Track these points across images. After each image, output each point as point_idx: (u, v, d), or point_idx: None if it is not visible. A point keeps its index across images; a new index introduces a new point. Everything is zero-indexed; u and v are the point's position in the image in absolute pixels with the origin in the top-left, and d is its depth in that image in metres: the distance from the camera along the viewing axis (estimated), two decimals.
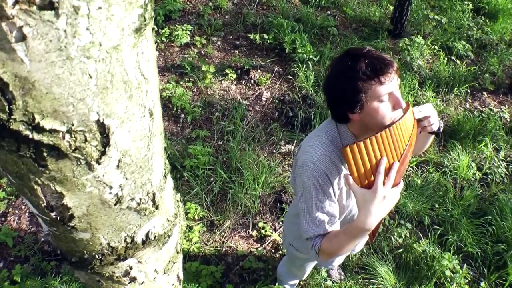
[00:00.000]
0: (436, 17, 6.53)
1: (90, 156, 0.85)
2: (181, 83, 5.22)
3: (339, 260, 2.57)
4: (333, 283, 3.74)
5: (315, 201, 1.87)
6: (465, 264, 3.91)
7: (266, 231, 4.04)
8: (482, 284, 3.84)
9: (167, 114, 4.87)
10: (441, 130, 2.04)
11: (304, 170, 1.87)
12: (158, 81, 0.97)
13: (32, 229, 3.96)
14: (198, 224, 4.02)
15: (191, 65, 5.36)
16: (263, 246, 3.98)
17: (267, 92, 5.25)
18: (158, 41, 5.66)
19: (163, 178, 1.15)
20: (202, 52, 5.70)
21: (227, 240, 3.98)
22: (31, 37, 0.64)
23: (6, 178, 0.94)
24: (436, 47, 6.06)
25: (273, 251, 3.96)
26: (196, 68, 5.37)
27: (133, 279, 1.36)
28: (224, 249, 3.93)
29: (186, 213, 4.02)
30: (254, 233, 4.06)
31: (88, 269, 1.22)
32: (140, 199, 1.06)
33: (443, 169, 4.65)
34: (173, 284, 1.65)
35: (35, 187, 0.89)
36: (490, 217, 4.22)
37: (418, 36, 6.14)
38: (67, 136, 0.79)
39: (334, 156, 1.88)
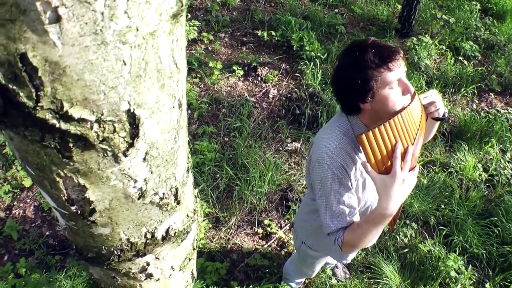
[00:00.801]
0: (444, 16, 6.49)
1: (118, 147, 0.81)
2: (188, 79, 5.18)
3: (352, 255, 2.55)
4: (338, 281, 3.72)
5: (334, 195, 1.88)
6: (470, 265, 3.90)
7: (271, 228, 4.01)
8: (487, 285, 3.82)
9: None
10: (446, 116, 2.07)
11: (321, 165, 1.88)
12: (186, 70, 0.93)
13: (37, 223, 3.94)
14: (203, 220, 4.00)
15: (198, 61, 5.33)
16: (269, 243, 3.96)
17: (274, 89, 5.22)
18: None
19: (186, 173, 1.11)
20: (210, 48, 5.66)
21: (233, 237, 3.96)
22: (66, 18, 0.60)
23: (23, 169, 0.89)
24: (443, 47, 6.03)
25: (278, 248, 3.94)
26: (203, 64, 5.34)
27: (149, 276, 1.32)
28: (229, 246, 3.91)
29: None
30: (260, 230, 4.04)
31: (105, 265, 1.18)
32: (163, 193, 1.03)
33: (449, 170, 4.63)
34: (187, 281, 1.62)
35: (57, 179, 0.85)
36: (495, 218, 4.20)
37: (426, 35, 6.10)
38: (96, 126, 0.75)
39: (349, 148, 1.89)
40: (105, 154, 0.81)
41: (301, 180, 4.40)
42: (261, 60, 5.52)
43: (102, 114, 0.74)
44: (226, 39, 5.85)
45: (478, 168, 4.64)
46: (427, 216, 4.21)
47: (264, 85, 5.27)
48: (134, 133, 0.81)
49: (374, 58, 1.67)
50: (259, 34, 5.79)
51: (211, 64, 5.25)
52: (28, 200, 4.04)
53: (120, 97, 0.74)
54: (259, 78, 5.31)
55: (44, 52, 0.62)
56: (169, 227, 1.16)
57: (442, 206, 4.29)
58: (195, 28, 5.69)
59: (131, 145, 0.82)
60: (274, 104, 5.07)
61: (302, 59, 5.48)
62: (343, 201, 1.89)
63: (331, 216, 1.90)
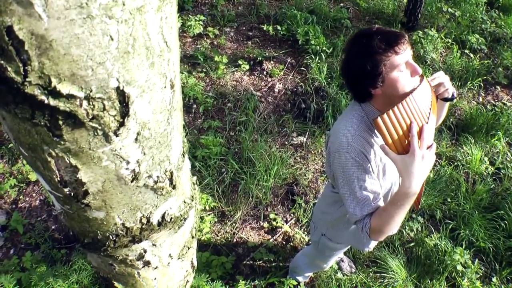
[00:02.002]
0: (449, 10, 6.45)
1: (108, 126, 0.80)
2: (193, 73, 5.18)
3: (374, 243, 2.55)
4: (344, 275, 3.70)
5: (357, 182, 1.91)
6: (477, 259, 3.87)
7: (277, 222, 4.00)
8: (494, 279, 3.79)
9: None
10: (455, 95, 2.10)
11: (341, 154, 1.91)
12: (180, 54, 0.92)
13: (43, 217, 3.95)
14: (209, 214, 3.99)
15: (203, 55, 5.33)
16: (274, 237, 3.95)
17: (280, 83, 5.21)
18: None
19: (181, 157, 1.10)
20: (215, 43, 5.66)
21: (238, 231, 3.95)
22: None
23: (18, 151, 0.89)
24: (449, 40, 5.97)
25: (284, 243, 3.93)
26: (209, 59, 5.33)
27: (147, 263, 1.32)
28: (235, 240, 3.90)
29: None
30: (265, 224, 4.03)
31: (101, 251, 1.17)
32: (158, 177, 1.02)
33: (456, 163, 4.59)
34: (186, 271, 1.61)
35: (49, 159, 0.84)
36: (502, 212, 4.16)
37: (432, 29, 6.06)
38: (85, 103, 0.74)
39: (366, 134, 1.92)
40: (96, 133, 0.80)
41: (306, 174, 4.38)
42: (267, 54, 5.50)
43: (91, 91, 0.73)
44: (232, 34, 5.84)
45: (485, 162, 4.60)
46: (433, 210, 4.18)
47: (269, 79, 5.26)
48: (124, 111, 0.80)
49: (381, 44, 1.71)
50: (265, 28, 5.77)
51: (216, 59, 5.24)
52: (34, 194, 4.05)
53: (109, 74, 0.73)
54: (265, 72, 5.30)
55: (30, 25, 0.62)
56: (165, 212, 1.15)
57: (449, 200, 4.26)
58: (200, 22, 5.67)
59: (121, 124, 0.81)
60: (279, 98, 5.06)
61: (307, 53, 5.45)
62: (366, 187, 1.91)
63: (356, 204, 1.94)
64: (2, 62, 0.64)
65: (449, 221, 4.09)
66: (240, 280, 3.51)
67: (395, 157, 1.75)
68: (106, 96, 0.75)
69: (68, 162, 0.85)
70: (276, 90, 5.11)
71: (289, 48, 5.67)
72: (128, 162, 0.91)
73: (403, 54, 1.73)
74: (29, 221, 3.90)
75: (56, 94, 0.70)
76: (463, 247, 3.88)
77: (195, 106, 4.82)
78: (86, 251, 1.27)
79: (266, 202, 4.14)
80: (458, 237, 3.99)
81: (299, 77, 5.30)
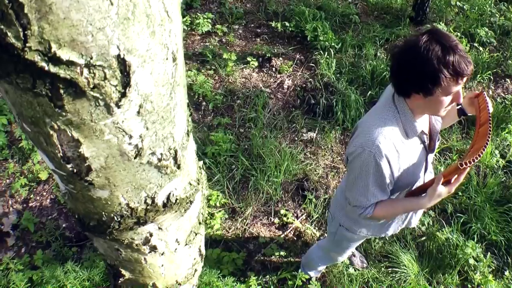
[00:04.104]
0: (458, 3, 6.39)
1: (109, 96, 0.79)
2: (202, 71, 5.19)
3: (392, 230, 2.59)
4: (355, 271, 3.68)
5: (371, 178, 2.03)
6: (489, 253, 3.84)
7: (288, 218, 3.99)
8: (507, 273, 3.77)
9: (189, 102, 4.84)
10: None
11: (364, 151, 1.97)
12: (182, 29, 0.91)
13: (54, 215, 3.97)
14: (219, 211, 3.99)
15: (212, 53, 5.34)
16: (285, 233, 3.94)
17: (289, 79, 5.20)
18: None
19: (186, 136, 1.09)
20: (223, 40, 5.67)
21: (249, 227, 3.95)
22: None
23: (22, 129, 0.88)
24: (458, 33, 5.92)
25: (295, 238, 3.92)
26: (218, 56, 5.34)
27: (153, 248, 1.31)
28: (245, 236, 3.90)
29: (208, 200, 3.98)
30: (276, 220, 4.02)
31: (107, 234, 1.16)
32: (161, 154, 1.00)
33: None
34: (194, 258, 1.60)
35: (51, 132, 0.84)
36: None
37: (440, 23, 6.02)
38: (85, 71, 0.73)
39: (394, 136, 1.98)
40: (97, 104, 0.79)
41: (317, 170, 4.37)
42: (275, 51, 5.51)
43: (91, 58, 0.72)
44: (240, 31, 5.84)
45: (496, 155, 4.57)
46: (444, 203, 4.15)
47: (278, 75, 5.25)
48: (125, 81, 0.79)
49: (452, 67, 1.70)
50: (273, 25, 5.77)
51: (225, 56, 5.25)
52: (45, 193, 4.07)
53: (109, 40, 0.72)
54: (274, 69, 5.30)
55: None
56: (170, 193, 1.14)
57: (460, 194, 4.23)
58: (208, 20, 5.70)
59: (123, 95, 0.80)
60: (289, 95, 5.05)
61: (316, 49, 5.45)
62: (378, 184, 2.07)
63: (364, 194, 2.10)
64: (2, 27, 0.63)
65: (460, 214, 4.07)
66: (252, 276, 3.50)
67: (439, 188, 1.97)
68: (106, 64, 0.74)
69: (70, 135, 0.84)
70: (285, 86, 5.10)
71: (297, 44, 5.67)
72: (130, 137, 0.90)
73: (461, 84, 1.77)
74: (40, 220, 3.92)
75: (56, 60, 0.70)
76: (475, 240, 3.86)
77: (204, 103, 4.83)
78: (92, 235, 1.26)
79: (277, 198, 4.14)
80: (470, 231, 3.97)
81: (308, 73, 5.29)
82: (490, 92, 5.40)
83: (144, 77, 0.82)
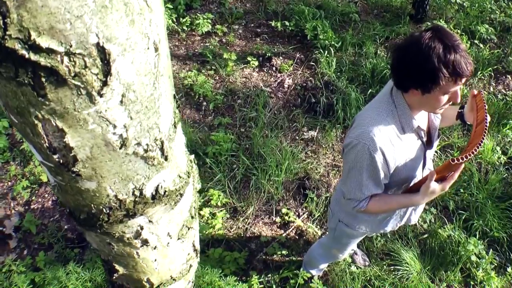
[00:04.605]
0: (458, 1, 6.38)
1: (91, 85, 0.80)
2: (202, 71, 5.21)
3: (391, 226, 2.61)
4: (357, 269, 3.68)
5: (365, 170, 2.05)
6: (491, 249, 3.85)
7: (289, 217, 4.00)
8: (509, 269, 3.78)
9: (189, 102, 4.87)
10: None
11: (359, 143, 1.99)
12: (165, 23, 0.92)
13: (56, 217, 3.98)
14: (221, 210, 4.00)
15: (212, 53, 5.36)
16: (287, 232, 3.95)
17: (289, 78, 5.21)
18: (179, 30, 5.67)
19: (173, 127, 1.09)
20: (224, 40, 5.68)
21: (251, 227, 3.95)
22: None
23: (9, 120, 0.89)
24: (458, 31, 5.91)
25: (297, 237, 3.92)
26: (218, 56, 5.36)
27: (145, 242, 1.31)
28: (247, 235, 3.91)
29: (209, 200, 3.99)
30: (278, 219, 4.03)
31: (97, 227, 1.17)
32: (147, 145, 1.01)
33: None
34: (188, 254, 1.60)
35: (36, 122, 0.85)
36: None
37: (441, 20, 6.02)
38: (66, 59, 0.74)
39: (390, 129, 2.00)
40: (79, 92, 0.80)
41: (318, 168, 4.37)
42: (276, 50, 5.52)
43: (71, 46, 0.73)
44: (240, 31, 5.86)
45: (497, 151, 4.57)
46: (446, 201, 4.15)
47: (279, 75, 5.27)
48: (106, 70, 0.80)
49: (452, 67, 1.71)
50: (273, 24, 5.79)
51: (225, 56, 5.27)
52: (46, 195, 4.08)
53: (87, 28, 0.72)
54: (274, 68, 5.31)
55: None
56: (158, 185, 1.15)
57: (461, 190, 4.23)
58: (208, 21, 5.72)
59: (104, 83, 0.81)
60: (289, 94, 5.06)
61: (316, 48, 5.46)
62: (372, 177, 2.08)
63: (358, 187, 2.12)
64: None
65: (462, 211, 4.06)
66: (254, 275, 3.51)
67: (432, 185, 1.98)
68: (86, 52, 0.75)
69: (54, 125, 0.85)
70: (286, 86, 5.11)
71: (297, 44, 5.68)
72: (114, 126, 0.90)
73: (460, 84, 1.79)
74: (42, 222, 3.94)
75: (36, 48, 0.71)
76: (477, 237, 3.86)
77: (205, 103, 4.85)
78: (84, 229, 1.27)
79: (278, 197, 4.14)
80: (472, 228, 3.97)
81: (308, 72, 5.30)
82: (491, 89, 5.39)
83: (125, 66, 0.83)
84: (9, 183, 4.11)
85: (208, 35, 5.72)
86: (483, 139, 1.89)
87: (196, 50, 5.49)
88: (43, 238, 3.82)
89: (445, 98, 1.84)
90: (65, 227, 3.92)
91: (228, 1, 6.17)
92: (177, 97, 1.07)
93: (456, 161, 1.80)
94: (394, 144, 2.01)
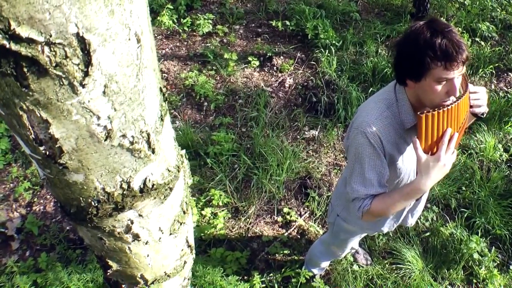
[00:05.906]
0: None
1: (73, 75, 0.81)
2: (203, 71, 5.22)
3: (388, 226, 2.61)
4: (359, 267, 3.68)
5: (367, 162, 2.03)
6: (494, 247, 3.83)
7: (291, 216, 4.00)
8: (511, 267, 3.73)
9: (190, 102, 4.88)
10: (485, 115, 2.15)
11: (359, 132, 2.01)
12: (149, 16, 0.92)
13: (58, 218, 4.00)
14: (222, 210, 4.01)
15: (213, 53, 5.37)
16: (289, 231, 3.95)
17: (290, 78, 5.21)
18: (180, 30, 5.69)
19: (159, 120, 1.10)
20: (224, 40, 5.69)
21: (252, 226, 3.96)
22: None
23: None
24: (459, 29, 5.89)
25: (298, 236, 3.92)
26: (219, 56, 5.37)
27: (136, 237, 1.32)
28: (249, 235, 3.91)
29: (211, 200, 4.00)
30: (279, 219, 4.03)
31: (87, 221, 1.18)
32: (133, 137, 1.02)
33: (469, 151, 4.56)
34: (182, 249, 1.60)
35: (21, 113, 0.85)
36: None
37: (441, 18, 5.99)
38: (46, 49, 0.75)
39: (389, 122, 2.01)
40: (62, 82, 0.81)
41: (319, 168, 4.37)
42: (276, 50, 5.53)
43: (51, 36, 0.74)
44: (241, 31, 5.87)
45: (499, 149, 4.56)
46: (448, 199, 4.14)
47: (280, 74, 5.27)
48: (87, 60, 0.81)
49: (438, 49, 1.71)
50: (274, 24, 5.79)
51: (226, 56, 5.28)
52: (48, 196, 4.10)
53: (66, 18, 0.73)
54: (275, 68, 5.31)
55: None
56: (146, 178, 1.15)
57: (463, 188, 4.22)
58: (209, 21, 5.73)
59: (86, 73, 0.82)
60: (290, 93, 5.06)
61: (317, 47, 5.46)
62: (375, 170, 2.03)
63: (362, 182, 2.07)
64: None
65: (464, 209, 4.05)
66: (255, 275, 3.51)
67: (421, 155, 1.88)
68: (66, 42, 0.76)
69: (39, 116, 0.86)
70: (287, 85, 5.12)
71: (298, 43, 5.68)
72: (98, 118, 0.91)
73: (451, 72, 1.74)
74: (44, 223, 3.95)
75: (16, 38, 0.71)
76: (479, 235, 3.85)
77: (206, 103, 4.86)
78: (75, 223, 1.28)
79: (280, 196, 4.15)
80: (474, 226, 3.96)
81: (309, 71, 5.30)
82: (493, 87, 5.38)
83: (106, 56, 0.83)
84: (11, 184, 4.13)
85: (209, 36, 5.73)
86: (462, 96, 1.85)
87: (197, 51, 5.50)
88: (45, 239, 3.83)
89: (439, 87, 1.80)
90: (67, 228, 3.93)
91: (228, 1, 6.18)
92: (164, 91, 1.07)
93: (421, 114, 1.81)
94: (394, 137, 2.03)
